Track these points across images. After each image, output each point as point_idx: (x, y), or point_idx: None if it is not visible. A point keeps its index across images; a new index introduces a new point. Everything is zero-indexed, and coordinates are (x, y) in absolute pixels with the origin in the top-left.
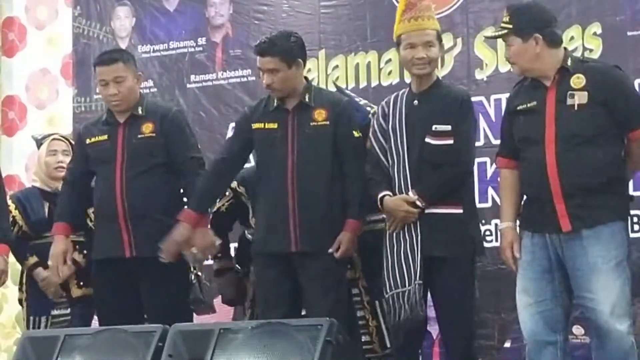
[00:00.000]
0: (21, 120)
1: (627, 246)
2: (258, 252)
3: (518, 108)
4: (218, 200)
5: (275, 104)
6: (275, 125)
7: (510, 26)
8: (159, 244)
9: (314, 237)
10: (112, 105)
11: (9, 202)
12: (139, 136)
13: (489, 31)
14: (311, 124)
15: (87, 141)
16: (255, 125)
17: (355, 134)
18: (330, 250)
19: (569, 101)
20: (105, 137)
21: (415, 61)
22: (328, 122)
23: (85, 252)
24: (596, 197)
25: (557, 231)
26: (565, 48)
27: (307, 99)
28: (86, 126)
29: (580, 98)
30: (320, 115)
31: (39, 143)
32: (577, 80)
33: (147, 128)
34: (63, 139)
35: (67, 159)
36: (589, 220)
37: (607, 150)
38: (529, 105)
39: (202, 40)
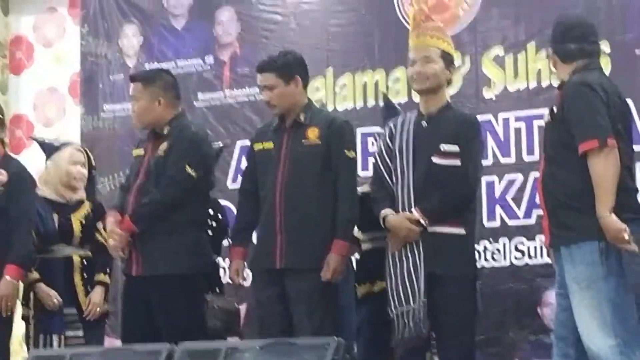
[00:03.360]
0: (28, 138)
1: (607, 265)
2: (252, 269)
3: None
4: None
5: (276, 122)
6: (271, 145)
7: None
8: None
9: (299, 254)
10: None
11: None
12: (156, 155)
13: (497, 50)
14: (303, 141)
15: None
16: (256, 147)
17: (348, 153)
18: (322, 275)
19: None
20: (142, 151)
21: (413, 76)
22: (320, 141)
23: (109, 271)
24: (569, 215)
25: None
26: (584, 64)
27: (302, 118)
28: None
29: (546, 116)
30: (313, 133)
31: (50, 148)
32: (557, 97)
33: (163, 146)
34: (82, 149)
35: (85, 172)
36: (564, 239)
37: (573, 167)
38: None
39: (209, 59)
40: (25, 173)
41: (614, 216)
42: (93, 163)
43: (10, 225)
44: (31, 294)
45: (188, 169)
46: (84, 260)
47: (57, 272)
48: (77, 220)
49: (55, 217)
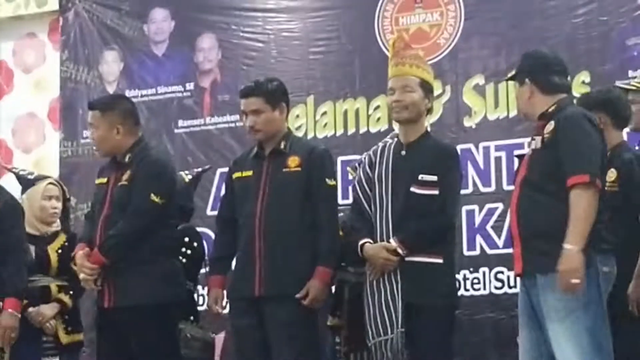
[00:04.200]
0: (7, 164)
1: (588, 294)
2: (230, 298)
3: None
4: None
5: (255, 151)
6: (251, 173)
7: (515, 71)
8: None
9: (278, 282)
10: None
11: None
12: (119, 184)
13: (478, 78)
14: (283, 170)
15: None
16: (234, 175)
17: (328, 182)
18: (297, 296)
19: (531, 146)
20: (105, 180)
21: (392, 105)
22: (300, 169)
23: (72, 293)
24: (550, 242)
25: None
26: (569, 98)
27: (282, 146)
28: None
29: (536, 143)
30: (293, 161)
31: (26, 182)
32: (549, 125)
33: (126, 175)
34: (56, 183)
35: (60, 205)
36: (542, 266)
37: (560, 196)
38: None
39: (190, 86)
40: (16, 202)
41: (581, 254)
42: (67, 195)
43: (3, 256)
44: None
45: (153, 197)
46: (61, 290)
47: (34, 301)
48: (53, 251)
49: (32, 248)
